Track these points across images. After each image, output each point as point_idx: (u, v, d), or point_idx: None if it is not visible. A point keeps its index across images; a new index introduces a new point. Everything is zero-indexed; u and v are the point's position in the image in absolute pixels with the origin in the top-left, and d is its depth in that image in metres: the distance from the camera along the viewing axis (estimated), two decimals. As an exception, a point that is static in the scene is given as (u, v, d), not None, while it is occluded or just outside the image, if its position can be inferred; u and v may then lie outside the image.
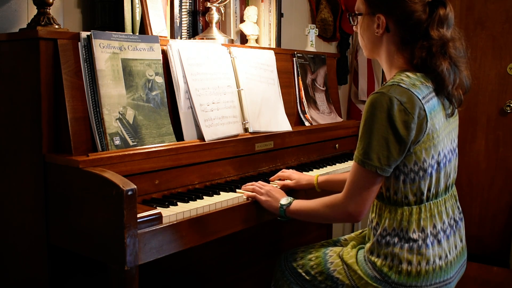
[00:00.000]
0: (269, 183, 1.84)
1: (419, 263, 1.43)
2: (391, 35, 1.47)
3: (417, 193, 1.44)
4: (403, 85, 1.38)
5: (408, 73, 1.43)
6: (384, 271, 1.46)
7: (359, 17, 1.54)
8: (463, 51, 1.47)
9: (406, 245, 1.44)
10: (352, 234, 1.79)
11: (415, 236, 1.43)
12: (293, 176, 1.88)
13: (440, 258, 1.45)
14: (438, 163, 1.44)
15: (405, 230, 1.44)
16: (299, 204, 1.60)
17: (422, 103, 1.37)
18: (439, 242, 1.46)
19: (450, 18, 1.44)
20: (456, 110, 1.55)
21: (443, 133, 1.45)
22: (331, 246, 1.74)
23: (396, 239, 1.45)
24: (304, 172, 1.97)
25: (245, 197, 1.66)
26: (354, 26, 1.59)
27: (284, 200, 1.63)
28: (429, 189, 1.45)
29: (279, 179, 1.88)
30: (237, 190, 1.71)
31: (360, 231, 1.76)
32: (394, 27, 1.46)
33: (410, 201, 1.45)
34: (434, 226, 1.46)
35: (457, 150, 1.57)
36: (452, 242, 1.50)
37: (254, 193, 1.68)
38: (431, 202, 1.46)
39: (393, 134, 1.35)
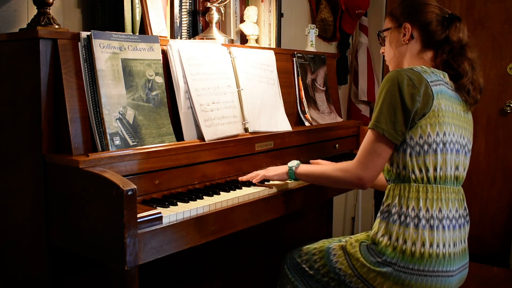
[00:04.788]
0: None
1: (423, 244, 1.50)
2: (414, 42, 1.70)
3: (422, 169, 1.55)
4: (415, 69, 1.58)
5: (423, 66, 1.63)
6: (388, 252, 1.52)
7: (386, 33, 1.77)
8: (477, 56, 1.70)
9: (412, 223, 1.52)
10: (356, 234, 1.82)
11: (420, 214, 1.52)
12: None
13: (444, 245, 1.52)
14: (444, 144, 1.55)
15: (411, 207, 1.53)
16: (308, 166, 1.77)
17: (429, 85, 1.55)
18: (443, 228, 1.53)
19: (464, 30, 1.69)
20: (471, 114, 1.71)
21: (450, 119, 1.58)
22: (335, 242, 1.77)
23: (402, 217, 1.54)
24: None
25: (255, 181, 1.78)
26: (381, 48, 1.83)
27: (292, 162, 1.79)
28: (435, 168, 1.55)
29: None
30: (237, 189, 1.71)
31: (364, 232, 1.79)
32: (417, 33, 1.69)
33: (417, 177, 1.55)
34: (440, 210, 1.54)
35: (466, 150, 1.67)
36: (457, 235, 1.57)
37: (261, 174, 1.80)
38: (438, 185, 1.55)
39: (400, 103, 1.52)
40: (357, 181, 1.57)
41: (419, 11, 1.68)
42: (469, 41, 1.68)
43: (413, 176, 1.55)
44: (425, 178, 1.55)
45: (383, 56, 1.87)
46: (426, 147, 1.54)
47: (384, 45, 1.80)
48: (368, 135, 1.58)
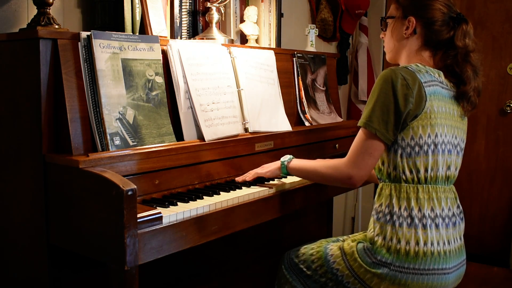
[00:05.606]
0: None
1: (417, 242, 1.50)
2: (415, 38, 1.66)
3: (413, 170, 1.54)
4: (410, 69, 1.56)
5: (418, 64, 1.60)
6: (383, 253, 1.53)
7: (390, 20, 1.72)
8: (480, 61, 1.66)
9: (405, 222, 1.52)
10: (354, 233, 1.82)
11: (413, 213, 1.52)
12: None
13: (438, 243, 1.52)
14: (435, 145, 1.55)
15: (404, 207, 1.53)
16: (301, 161, 1.76)
17: (423, 85, 1.53)
18: (437, 226, 1.53)
19: (471, 33, 1.65)
20: (466, 117, 1.68)
21: (443, 120, 1.56)
22: (333, 242, 1.77)
23: (395, 217, 1.54)
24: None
25: (248, 179, 1.79)
26: (382, 32, 1.79)
27: (284, 157, 1.79)
28: (426, 169, 1.54)
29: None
30: (237, 189, 1.71)
31: (361, 232, 1.79)
32: (421, 29, 1.65)
33: (408, 178, 1.55)
34: (432, 209, 1.54)
35: (459, 149, 1.64)
36: (451, 233, 1.56)
37: (253, 172, 1.81)
38: (429, 185, 1.55)
39: (393, 103, 1.51)
40: (347, 180, 1.56)
41: (427, 7, 1.63)
42: (475, 46, 1.64)
43: (404, 177, 1.55)
44: (415, 178, 1.54)
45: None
46: (417, 148, 1.53)
47: (385, 31, 1.76)
48: (360, 134, 1.56)
